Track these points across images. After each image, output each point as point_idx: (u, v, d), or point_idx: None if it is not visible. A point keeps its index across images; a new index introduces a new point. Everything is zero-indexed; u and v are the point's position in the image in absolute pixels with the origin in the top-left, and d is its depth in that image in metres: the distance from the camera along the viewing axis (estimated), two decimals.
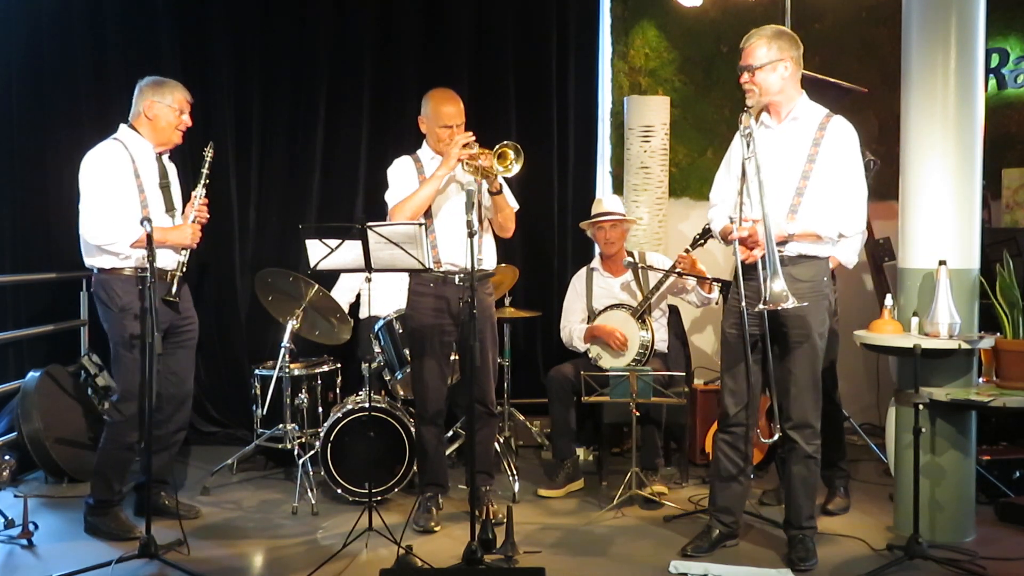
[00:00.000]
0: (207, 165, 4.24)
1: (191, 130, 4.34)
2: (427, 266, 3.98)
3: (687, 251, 4.83)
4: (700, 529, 4.00)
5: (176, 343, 4.23)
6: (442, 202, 4.25)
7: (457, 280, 4.23)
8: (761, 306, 3.64)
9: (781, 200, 3.69)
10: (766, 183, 3.69)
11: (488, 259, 4.34)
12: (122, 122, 4.20)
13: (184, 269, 4.21)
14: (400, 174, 4.31)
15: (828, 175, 3.66)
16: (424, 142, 4.37)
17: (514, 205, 4.34)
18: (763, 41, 3.70)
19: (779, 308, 3.57)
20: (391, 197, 4.29)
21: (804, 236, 3.67)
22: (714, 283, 4.89)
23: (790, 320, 3.70)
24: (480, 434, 4.31)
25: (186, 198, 4.32)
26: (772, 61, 3.68)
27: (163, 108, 4.16)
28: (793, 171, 3.69)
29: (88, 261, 4.13)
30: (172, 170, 4.30)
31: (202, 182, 4.24)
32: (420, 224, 3.95)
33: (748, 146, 3.65)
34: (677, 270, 4.85)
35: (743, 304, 3.70)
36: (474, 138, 4.13)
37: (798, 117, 3.73)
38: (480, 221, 4.26)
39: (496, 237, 4.41)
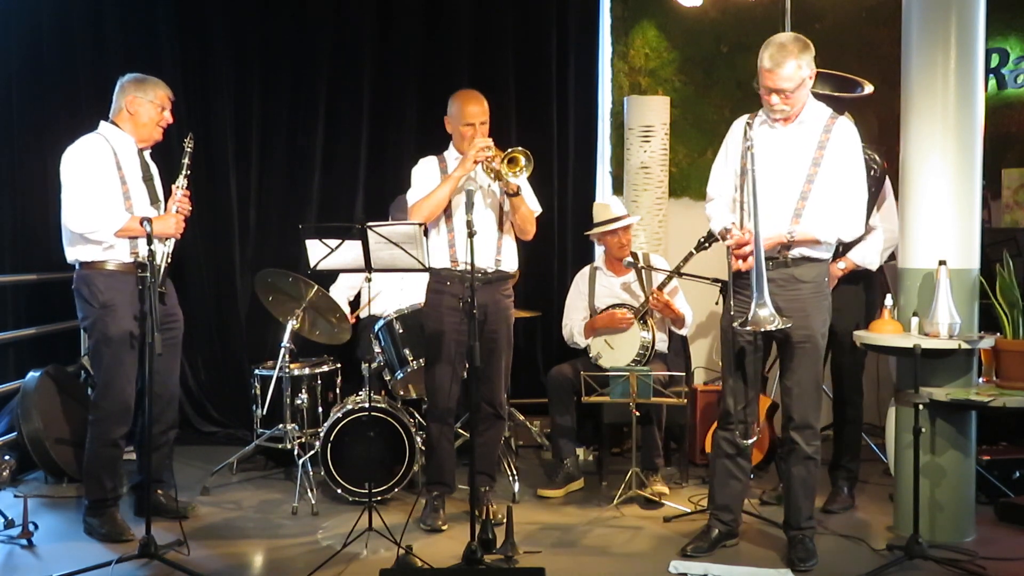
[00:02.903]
0: (187, 156, 4.22)
1: (191, 128, 4.33)
2: (427, 266, 4.00)
3: (667, 281, 4.85)
4: (700, 529, 4.00)
5: (162, 340, 4.19)
6: (461, 202, 4.24)
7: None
8: (739, 327, 3.67)
9: (785, 203, 3.69)
10: (769, 186, 3.69)
11: (508, 261, 4.34)
12: (103, 119, 4.21)
13: (170, 260, 4.20)
14: (423, 174, 4.32)
15: (831, 179, 3.66)
16: (451, 144, 4.37)
17: (536, 208, 4.35)
18: (793, 58, 3.58)
19: (761, 330, 3.60)
20: (411, 196, 4.30)
21: (804, 240, 3.67)
22: (687, 317, 4.98)
23: (793, 321, 3.70)
24: (486, 435, 4.31)
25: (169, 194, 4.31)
26: (804, 79, 3.62)
27: (145, 104, 4.16)
28: (797, 174, 3.69)
29: (70, 254, 4.11)
30: (155, 168, 4.30)
31: (183, 173, 4.22)
32: (419, 224, 3.96)
33: (751, 159, 3.64)
34: (679, 273, 4.86)
35: (734, 323, 3.73)
36: (492, 143, 4.14)
37: (804, 120, 3.72)
38: (501, 223, 4.29)
39: (518, 239, 4.41)
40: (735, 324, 3.72)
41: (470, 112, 4.25)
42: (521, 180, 4.11)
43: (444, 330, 4.26)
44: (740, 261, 3.69)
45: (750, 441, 3.85)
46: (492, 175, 4.18)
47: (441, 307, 4.28)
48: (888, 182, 4.46)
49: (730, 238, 3.72)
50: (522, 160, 4.06)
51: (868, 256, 4.40)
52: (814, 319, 3.73)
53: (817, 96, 3.98)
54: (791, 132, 3.73)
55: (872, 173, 4.26)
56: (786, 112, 3.68)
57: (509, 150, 4.08)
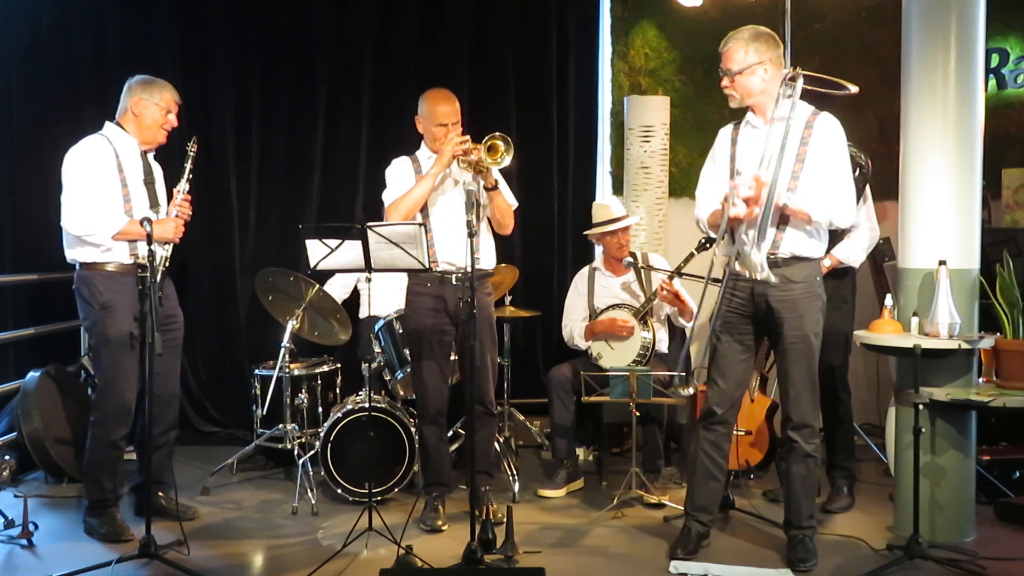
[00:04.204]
0: (190, 160, 4.21)
1: (191, 128, 4.32)
2: (427, 266, 3.99)
3: (669, 279, 4.85)
4: (681, 532, 3.97)
5: (162, 341, 4.18)
6: (439, 201, 4.26)
7: (454, 280, 4.23)
8: (736, 266, 3.63)
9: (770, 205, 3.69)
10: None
11: (486, 258, 4.33)
12: (109, 119, 4.20)
13: (167, 264, 4.20)
14: (397, 174, 4.32)
15: (818, 172, 3.66)
16: (422, 143, 4.37)
17: (512, 202, 4.34)
18: (740, 45, 3.70)
19: (747, 275, 3.56)
20: (387, 196, 4.29)
21: (796, 212, 3.63)
22: (694, 308, 4.92)
23: (786, 321, 3.71)
24: (479, 434, 4.31)
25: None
26: (751, 65, 3.68)
27: (150, 106, 4.15)
28: (783, 172, 3.68)
29: (69, 255, 4.11)
30: (158, 170, 4.29)
31: (185, 176, 4.21)
32: (420, 224, 3.96)
33: (792, 108, 3.59)
34: (679, 273, 4.85)
35: (727, 264, 3.69)
36: (469, 139, 4.13)
37: (783, 117, 3.72)
38: (478, 219, 4.27)
39: (495, 236, 4.41)
40: (727, 266, 3.67)
41: (442, 112, 4.24)
42: (503, 165, 4.06)
43: (426, 332, 4.27)
44: (740, 206, 3.58)
45: (689, 392, 3.87)
46: (470, 169, 4.16)
47: (422, 309, 4.27)
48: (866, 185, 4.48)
49: (738, 181, 3.64)
50: (502, 146, 4.02)
51: (852, 253, 4.43)
52: (807, 319, 3.74)
53: (807, 94, 3.99)
54: (772, 131, 3.70)
55: (858, 172, 4.28)
56: (735, 98, 3.73)
57: (487, 137, 4.05)
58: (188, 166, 4.21)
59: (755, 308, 3.77)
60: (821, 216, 3.66)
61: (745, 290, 3.77)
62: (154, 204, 4.19)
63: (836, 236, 4.39)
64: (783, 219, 3.68)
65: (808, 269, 3.75)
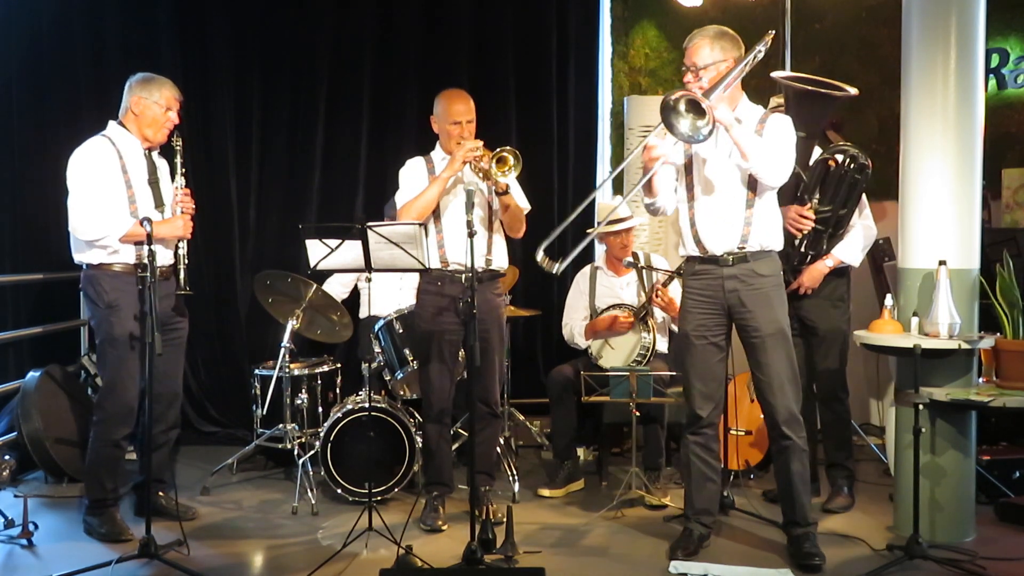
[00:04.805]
0: (179, 155, 4.21)
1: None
2: (427, 266, 4.00)
3: (665, 285, 4.85)
4: (681, 533, 3.98)
5: (165, 340, 4.11)
6: (450, 202, 4.27)
7: (463, 279, 4.24)
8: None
9: (734, 199, 3.72)
10: (716, 184, 3.75)
11: (498, 259, 4.34)
12: (112, 119, 4.21)
13: (186, 261, 4.20)
14: (411, 174, 4.33)
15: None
16: (437, 143, 4.38)
17: (525, 206, 4.35)
18: (706, 42, 3.74)
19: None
20: (400, 198, 4.30)
21: (737, 135, 3.58)
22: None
23: (761, 314, 3.74)
24: (482, 435, 4.31)
25: None
26: (716, 62, 3.71)
27: (150, 105, 4.15)
28: (742, 169, 3.69)
29: (77, 257, 4.13)
30: (163, 167, 4.30)
31: (179, 172, 4.21)
32: (420, 224, 3.96)
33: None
34: (679, 274, 4.86)
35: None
36: (482, 144, 4.15)
37: (741, 117, 3.74)
38: (491, 221, 4.29)
39: (508, 237, 4.42)
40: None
41: (456, 111, 4.26)
42: (510, 179, 4.11)
43: (436, 331, 4.27)
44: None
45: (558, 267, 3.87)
46: (480, 174, 4.18)
47: (431, 308, 4.28)
48: None
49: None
50: (511, 159, 4.06)
51: (851, 253, 4.45)
52: (779, 311, 3.78)
53: (805, 93, 3.97)
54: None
55: (860, 173, 4.28)
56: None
57: (498, 149, 4.08)
58: (178, 161, 4.21)
59: (728, 306, 3.79)
60: (757, 155, 3.60)
61: (715, 288, 3.79)
62: (159, 203, 4.19)
63: (835, 237, 4.41)
64: (749, 204, 3.72)
65: (774, 264, 3.81)
